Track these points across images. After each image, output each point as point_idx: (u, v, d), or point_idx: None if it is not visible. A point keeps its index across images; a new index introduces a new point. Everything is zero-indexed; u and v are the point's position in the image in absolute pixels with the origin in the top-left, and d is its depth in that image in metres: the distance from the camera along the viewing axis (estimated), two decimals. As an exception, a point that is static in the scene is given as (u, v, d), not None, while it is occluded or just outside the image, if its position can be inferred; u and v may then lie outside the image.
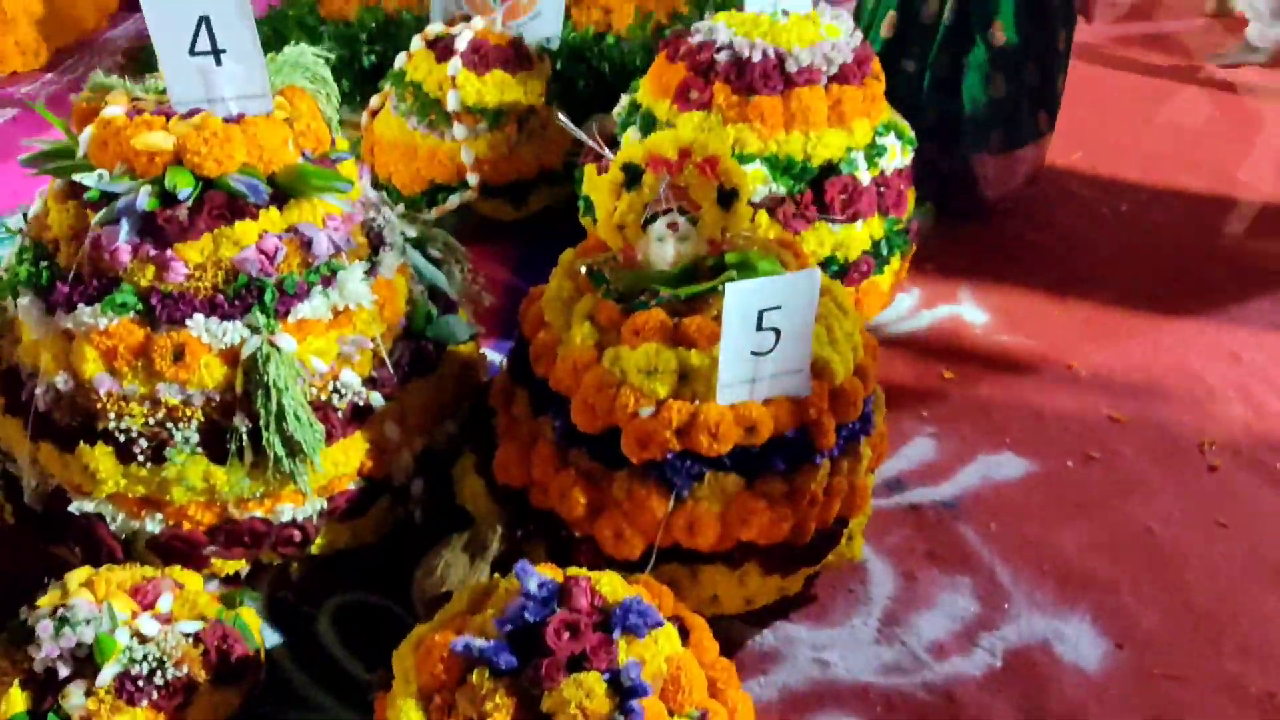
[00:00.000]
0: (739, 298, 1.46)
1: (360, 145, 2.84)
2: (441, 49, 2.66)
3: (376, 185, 2.75)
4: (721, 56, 2.18)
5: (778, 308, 1.48)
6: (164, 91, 1.66)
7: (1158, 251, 2.80)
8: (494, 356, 2.28)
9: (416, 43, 2.71)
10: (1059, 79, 2.80)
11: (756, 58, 2.16)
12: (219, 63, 1.60)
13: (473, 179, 2.64)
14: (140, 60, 3.54)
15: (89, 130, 1.59)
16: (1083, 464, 2.09)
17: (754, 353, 1.51)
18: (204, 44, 1.58)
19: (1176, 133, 3.46)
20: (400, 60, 2.72)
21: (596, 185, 1.62)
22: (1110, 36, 4.07)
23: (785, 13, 2.26)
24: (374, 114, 2.83)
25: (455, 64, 2.60)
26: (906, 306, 2.52)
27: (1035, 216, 2.92)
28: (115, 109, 1.60)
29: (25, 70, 3.43)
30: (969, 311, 2.54)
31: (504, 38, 2.70)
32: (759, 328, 1.49)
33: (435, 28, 2.72)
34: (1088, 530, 1.94)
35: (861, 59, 2.23)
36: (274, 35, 3.15)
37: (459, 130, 2.60)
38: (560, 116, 1.74)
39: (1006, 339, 2.45)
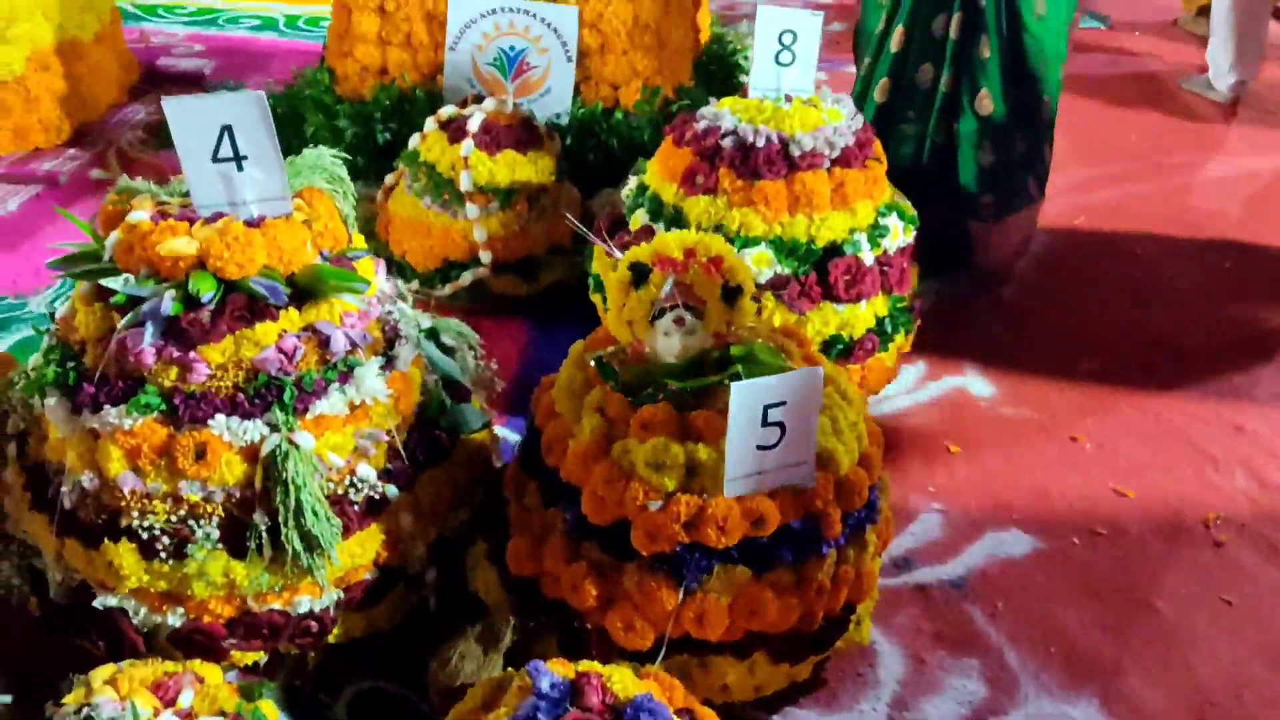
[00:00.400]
0: (744, 395, 1.50)
1: (376, 222, 2.90)
2: (454, 130, 2.73)
3: (391, 262, 2.80)
4: (726, 142, 2.24)
5: (782, 403, 1.52)
6: (187, 194, 1.71)
7: (1160, 319, 2.84)
8: (505, 433, 2.33)
9: (430, 124, 2.78)
10: (1046, 147, 2.85)
11: (760, 143, 2.22)
12: (240, 168, 1.66)
13: (485, 256, 2.70)
14: (161, 135, 3.63)
15: (115, 234, 1.64)
16: (1088, 540, 2.12)
17: (760, 447, 1.54)
18: (226, 151, 1.65)
19: (1173, 189, 3.51)
20: (414, 141, 2.79)
21: (607, 282, 1.67)
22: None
23: (788, 98, 2.32)
24: (388, 192, 2.90)
25: (468, 145, 2.67)
26: (911, 379, 2.56)
27: (1038, 284, 2.96)
28: (141, 214, 1.65)
29: (48, 146, 3.50)
30: (974, 383, 2.58)
31: (514, 118, 2.78)
32: (764, 423, 1.52)
33: (448, 110, 2.79)
34: (1094, 609, 1.96)
35: (863, 142, 2.29)
36: (290, 114, 3.24)
37: (471, 209, 2.67)
38: (569, 218, 1.79)
39: (1011, 411, 2.48)
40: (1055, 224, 3.25)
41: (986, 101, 2.70)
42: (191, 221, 1.64)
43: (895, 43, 2.75)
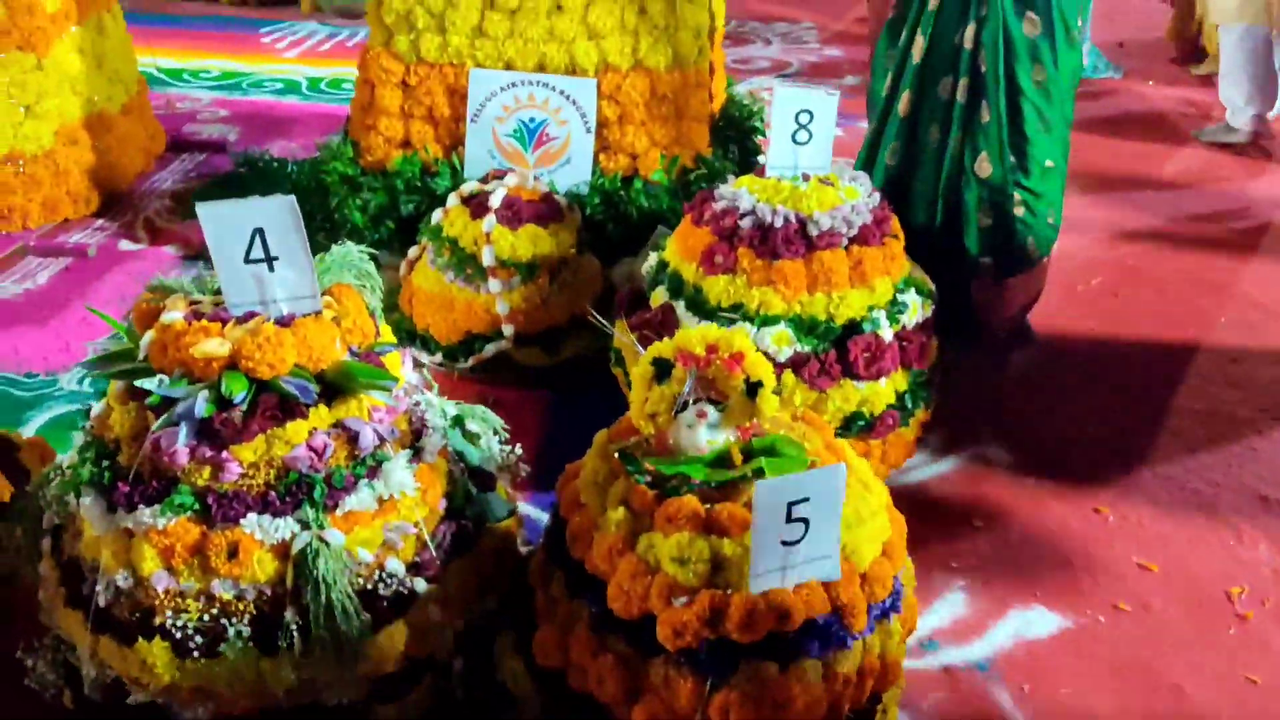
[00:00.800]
0: (768, 494, 1.51)
1: (399, 294, 2.94)
2: (476, 205, 2.78)
3: (414, 335, 2.85)
4: (745, 223, 2.28)
5: (806, 500, 1.54)
6: (219, 291, 1.75)
7: (1183, 384, 2.84)
8: (528, 510, 2.35)
9: (453, 200, 2.83)
10: (1050, 209, 2.86)
11: (778, 223, 2.25)
12: (271, 269, 1.70)
13: (508, 329, 2.73)
14: (187, 203, 3.70)
15: (150, 334, 1.68)
16: (1113, 617, 2.11)
17: (784, 542, 1.56)
18: (258, 252, 1.69)
19: (1194, 244, 3.53)
20: (437, 216, 2.84)
21: (633, 375, 1.70)
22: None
23: (805, 177, 2.35)
24: (412, 265, 2.95)
25: (490, 221, 2.71)
26: (932, 448, 2.57)
27: (1054, 346, 2.97)
28: (174, 314, 1.69)
29: (77, 217, 3.58)
30: (994, 451, 2.58)
31: (536, 193, 2.82)
32: (788, 519, 1.54)
33: (470, 186, 2.84)
34: (1120, 690, 1.96)
35: (880, 219, 2.32)
36: (316, 187, 3.29)
37: (494, 284, 2.70)
38: (591, 313, 1.82)
39: (1032, 481, 2.48)
40: (1071, 283, 3.27)
41: (985, 164, 2.73)
42: (224, 321, 1.68)
43: (903, 107, 2.79)
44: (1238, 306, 3.20)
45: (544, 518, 2.26)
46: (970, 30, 2.67)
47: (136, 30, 4.24)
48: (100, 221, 3.60)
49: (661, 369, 1.66)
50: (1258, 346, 3.00)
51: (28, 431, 2.54)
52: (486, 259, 2.69)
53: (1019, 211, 2.79)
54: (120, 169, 3.77)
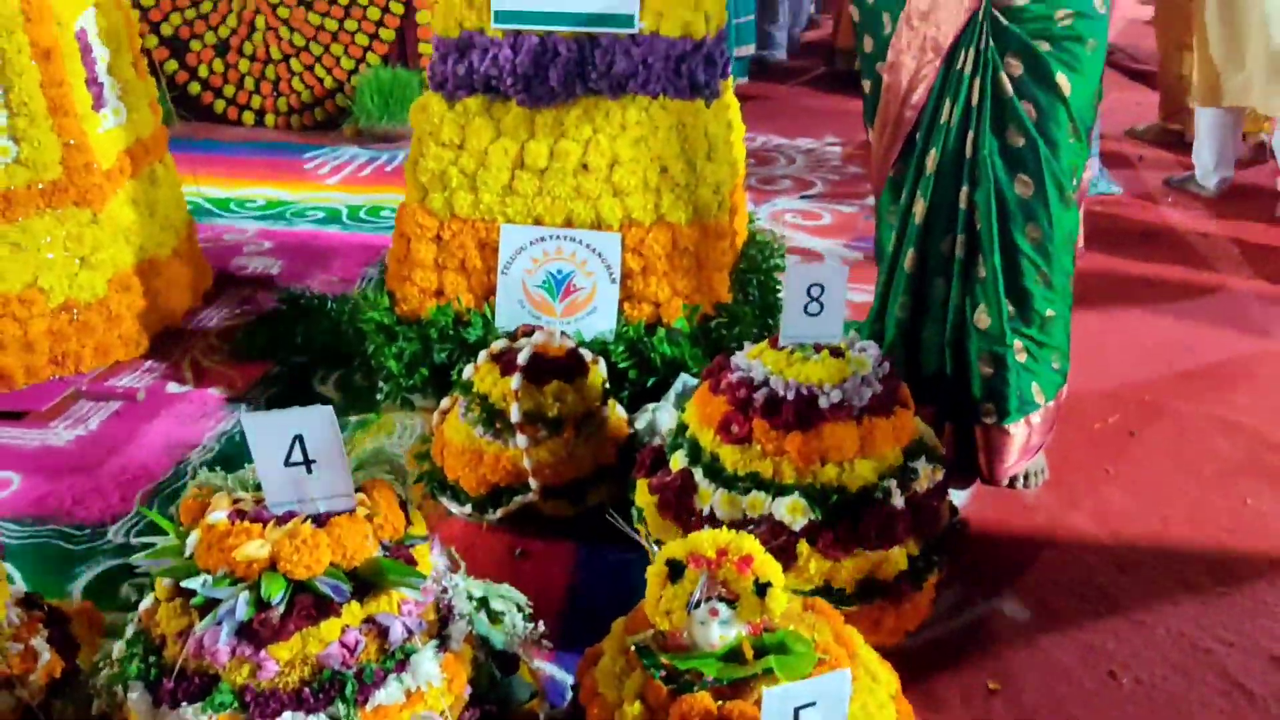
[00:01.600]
0: (776, 701, 1.59)
1: (433, 443, 3.06)
2: (505, 363, 2.90)
3: (445, 485, 2.95)
4: (759, 395, 2.38)
5: (813, 704, 1.61)
6: (259, 487, 1.87)
7: (1193, 533, 2.88)
8: (552, 670, 2.42)
9: (483, 356, 2.96)
10: (1054, 355, 2.95)
11: (790, 395, 2.35)
12: (309, 471, 1.82)
13: (534, 483, 2.83)
14: (233, 342, 3.87)
15: (196, 534, 1.80)
16: (1126, 789, 2.14)
17: (792, 743, 1.63)
18: (297, 456, 1.81)
19: (1206, 374, 3.59)
20: (468, 371, 2.97)
21: (648, 576, 1.79)
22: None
23: (817, 347, 2.46)
24: (444, 415, 3.07)
25: (517, 379, 2.83)
26: (945, 605, 2.62)
27: (1065, 491, 3.03)
28: (219, 513, 1.81)
29: (127, 359, 3.74)
30: (1008, 605, 2.63)
31: (562, 348, 2.94)
32: (795, 722, 1.61)
33: (500, 343, 2.97)
34: None
35: (890, 389, 2.42)
36: (355, 334, 3.45)
37: (521, 439, 2.81)
38: (611, 514, 1.92)
39: (1047, 640, 2.52)
40: (1081, 422, 3.33)
41: (984, 317, 2.83)
42: (264, 521, 1.80)
43: (909, 263, 2.90)
44: (1250, 445, 3.25)
45: (567, 678, 2.34)
46: (965, 192, 2.78)
47: (185, 157, 4.48)
48: (149, 363, 3.76)
49: (675, 569, 1.75)
50: (1270, 491, 3.04)
51: (77, 588, 2.66)
52: (514, 415, 2.80)
53: (1021, 357, 2.88)
54: (170, 310, 3.95)
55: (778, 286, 3.69)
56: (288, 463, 1.81)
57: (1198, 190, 5.38)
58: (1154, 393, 3.53)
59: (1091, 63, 2.74)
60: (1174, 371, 3.68)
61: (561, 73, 3.15)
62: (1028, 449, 3.00)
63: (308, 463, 1.81)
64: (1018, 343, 2.87)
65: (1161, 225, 5.04)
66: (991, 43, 2.69)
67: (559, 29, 3.15)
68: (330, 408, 1.80)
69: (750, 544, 1.74)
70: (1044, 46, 2.68)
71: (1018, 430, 2.95)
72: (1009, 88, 2.71)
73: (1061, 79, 2.70)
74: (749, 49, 7.13)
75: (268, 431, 1.80)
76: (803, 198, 5.51)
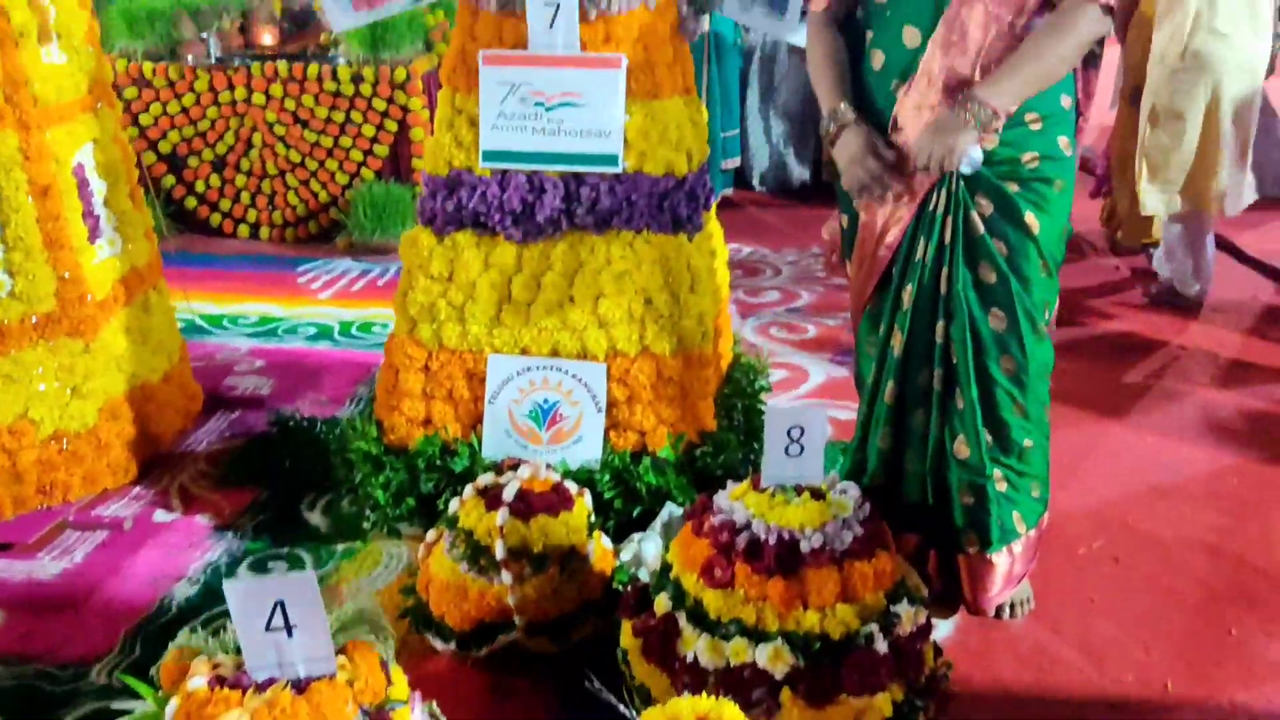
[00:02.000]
0: None
1: (419, 575, 3.06)
2: (491, 498, 2.92)
3: (429, 623, 2.95)
4: (740, 539, 2.40)
5: None
6: (240, 649, 1.88)
7: (1182, 663, 2.88)
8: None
9: (468, 491, 2.98)
10: (1035, 484, 2.97)
11: (772, 540, 2.37)
12: (290, 635, 1.83)
13: (519, 620, 2.83)
14: (222, 466, 3.89)
15: (175, 702, 1.80)
16: None
17: None
18: (278, 622, 1.82)
19: (1190, 500, 3.61)
20: (454, 505, 2.98)
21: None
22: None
23: (798, 490, 2.49)
24: (430, 548, 3.07)
25: (503, 514, 2.84)
26: (934, 744, 2.61)
27: (1052, 623, 3.03)
28: (198, 679, 1.82)
29: (115, 486, 3.75)
30: (997, 745, 2.62)
31: (548, 483, 2.97)
32: None
33: (485, 478, 2.99)
34: None
35: (870, 532, 2.44)
36: (345, 464, 3.48)
37: (506, 576, 2.82)
38: (590, 680, 1.92)
39: (1035, 782, 2.51)
40: (1065, 546, 3.35)
41: (963, 447, 2.87)
42: (244, 687, 1.80)
43: (888, 395, 2.95)
44: (1232, 569, 3.26)
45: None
46: (941, 326, 2.84)
47: (180, 272, 4.54)
48: (137, 489, 3.77)
49: (654, 736, 1.76)
50: (1252, 618, 3.04)
51: (57, 734, 2.64)
52: (499, 552, 2.81)
53: (1002, 487, 2.91)
54: (159, 434, 3.97)
55: (763, 409, 3.73)
56: (269, 628, 1.82)
57: (1176, 300, 5.42)
58: (1136, 515, 3.56)
59: (1059, 202, 2.82)
60: (1155, 491, 3.70)
61: (548, 210, 3.24)
62: (1011, 578, 3.01)
63: (289, 628, 1.83)
64: (997, 472, 2.90)
65: (1139, 337, 5.12)
66: (962, 184, 2.77)
67: (546, 168, 3.24)
68: (312, 574, 1.82)
69: (730, 712, 1.75)
70: (1012, 187, 2.76)
71: (1000, 559, 2.96)
72: (980, 226, 2.78)
73: (1030, 218, 2.77)
74: (734, 161, 7.29)
75: (249, 598, 1.82)
76: (789, 310, 5.59)
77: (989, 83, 2.60)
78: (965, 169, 2.67)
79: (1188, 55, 4.93)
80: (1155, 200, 5.15)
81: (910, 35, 2.71)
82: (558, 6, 3.10)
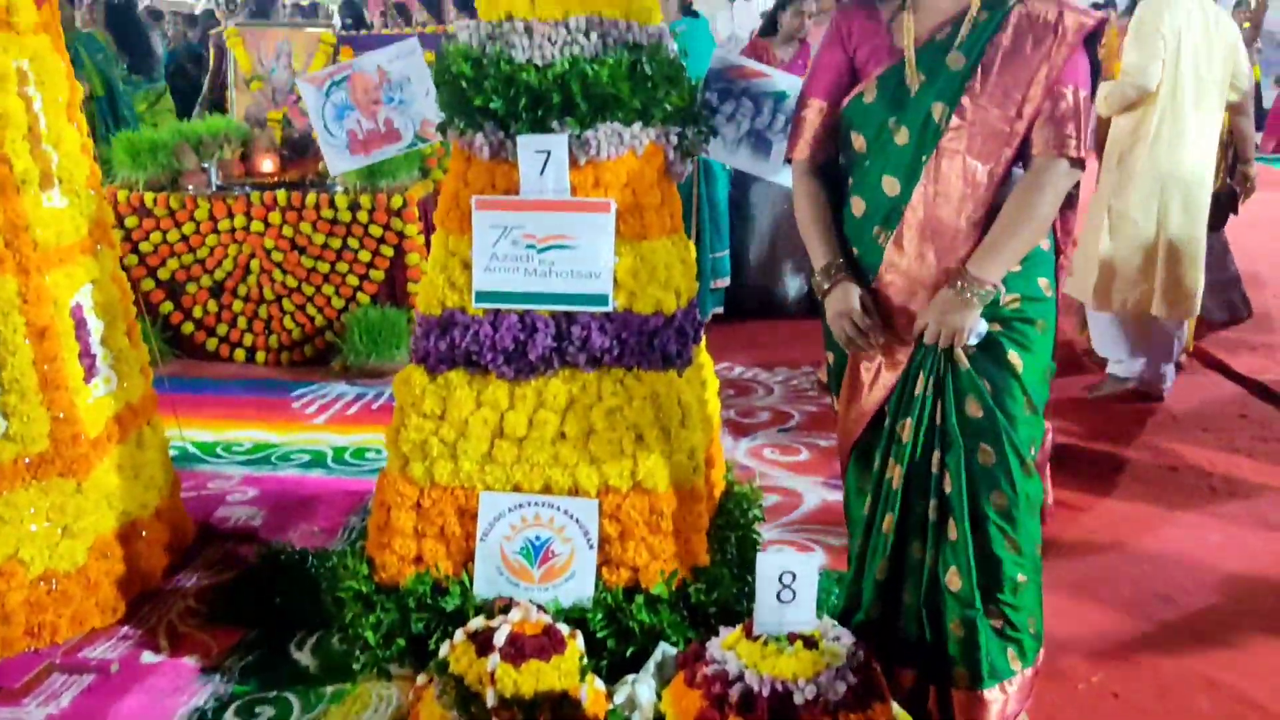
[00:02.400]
0: None
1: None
2: (482, 641, 2.90)
3: (420, 774, 2.90)
4: (734, 690, 2.38)
5: None
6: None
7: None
8: None
9: (459, 635, 2.96)
10: (1029, 619, 2.95)
11: (765, 691, 2.35)
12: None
13: (511, 772, 2.78)
14: (210, 603, 3.85)
15: None
16: None
17: None
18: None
19: (1186, 632, 3.59)
20: (444, 649, 2.96)
21: None
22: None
23: (791, 638, 2.48)
24: (419, 693, 3.04)
25: (494, 659, 2.82)
26: None
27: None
28: None
29: (103, 626, 3.71)
30: None
31: (539, 625, 2.95)
32: None
33: (476, 622, 2.97)
34: None
35: (865, 681, 2.42)
36: (335, 601, 3.45)
37: (497, 725, 2.78)
38: None
39: None
40: (1064, 681, 3.31)
41: (955, 579, 2.86)
42: None
43: (886, 526, 2.95)
44: (1231, 704, 3.22)
45: None
46: (938, 456, 2.86)
47: (174, 398, 4.54)
48: (125, 629, 3.72)
49: None
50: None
51: None
52: (490, 700, 2.78)
53: (997, 624, 2.88)
54: (149, 571, 3.93)
55: (757, 542, 3.73)
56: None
57: (1119, 389, 5.53)
58: (1135, 648, 3.53)
59: (1041, 341, 2.88)
60: (1153, 624, 3.67)
61: (540, 348, 3.28)
62: (1005, 717, 2.97)
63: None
64: (991, 608, 2.89)
65: (1128, 460, 5.13)
66: None
67: (537, 308, 3.30)
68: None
69: None
70: (995, 327, 2.82)
71: (994, 696, 2.92)
72: (965, 363, 2.83)
73: (1014, 357, 2.82)
74: (724, 281, 7.40)
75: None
76: (780, 430, 5.61)
77: (979, 259, 2.72)
78: (973, 341, 2.77)
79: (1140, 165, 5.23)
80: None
81: (889, 184, 2.80)
82: (549, 154, 3.19)
